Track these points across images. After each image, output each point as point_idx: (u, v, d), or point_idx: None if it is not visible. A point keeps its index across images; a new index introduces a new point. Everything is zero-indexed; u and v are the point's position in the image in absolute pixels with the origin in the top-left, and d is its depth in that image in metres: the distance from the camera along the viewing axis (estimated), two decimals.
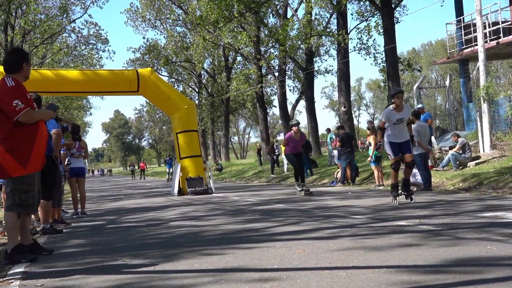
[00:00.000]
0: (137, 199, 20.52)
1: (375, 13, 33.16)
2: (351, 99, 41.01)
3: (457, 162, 18.15)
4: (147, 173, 73.74)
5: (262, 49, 45.23)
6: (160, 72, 56.70)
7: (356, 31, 35.69)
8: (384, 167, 20.24)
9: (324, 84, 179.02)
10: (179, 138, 21.67)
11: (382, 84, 38.95)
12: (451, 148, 19.34)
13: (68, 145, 13.12)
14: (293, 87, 53.00)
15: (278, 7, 40.48)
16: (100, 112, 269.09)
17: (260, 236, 7.86)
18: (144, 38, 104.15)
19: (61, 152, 11.69)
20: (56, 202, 10.82)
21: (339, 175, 21.32)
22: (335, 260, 5.61)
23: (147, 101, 52.25)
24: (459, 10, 27.91)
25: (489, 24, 24.81)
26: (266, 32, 42.03)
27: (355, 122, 78.03)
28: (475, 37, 23.06)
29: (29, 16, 38.22)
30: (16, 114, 6.41)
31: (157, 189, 28.86)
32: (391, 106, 11.88)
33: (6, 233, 6.73)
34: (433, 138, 20.78)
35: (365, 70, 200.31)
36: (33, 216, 9.31)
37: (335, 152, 23.57)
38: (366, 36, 34.91)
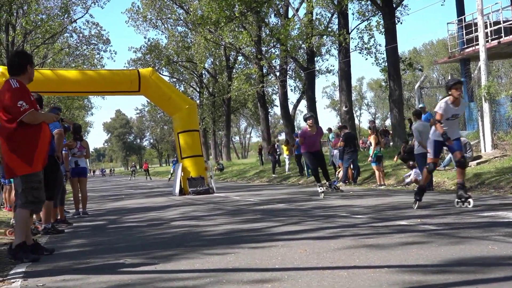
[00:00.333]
0: (138, 199, 20.53)
1: (376, 12, 33.14)
2: (352, 98, 41.00)
3: None
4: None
5: (263, 48, 45.24)
6: (161, 72, 56.72)
7: (357, 31, 35.72)
8: (385, 166, 20.26)
9: (325, 84, 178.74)
10: (180, 138, 21.68)
11: (383, 83, 38.91)
12: None
13: (70, 145, 13.14)
14: (294, 87, 53.08)
15: (279, 6, 40.49)
16: (101, 112, 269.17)
17: (261, 236, 7.86)
18: (145, 38, 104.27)
19: (63, 152, 11.69)
20: (57, 202, 10.84)
21: (340, 174, 21.32)
22: (337, 259, 5.61)
23: (148, 101, 52.24)
24: (460, 10, 27.89)
25: (490, 23, 24.78)
26: (267, 32, 42.05)
27: (356, 121, 78.07)
28: (477, 37, 23.04)
29: (30, 16, 38.18)
30: (20, 114, 6.53)
31: (158, 189, 28.86)
32: (447, 99, 10.32)
33: (14, 229, 6.75)
34: None
35: (366, 69, 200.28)
36: (34, 216, 9.33)
37: (335, 152, 23.57)
38: (367, 35, 34.94)
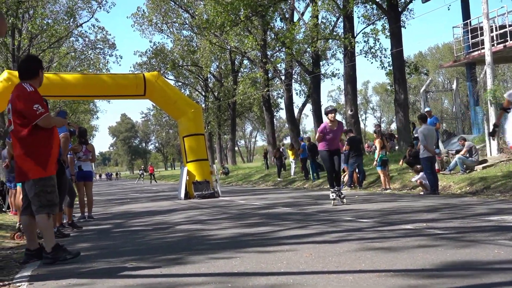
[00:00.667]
0: (144, 203, 20.54)
1: (382, 16, 33.13)
2: (358, 102, 40.96)
3: (464, 166, 18.10)
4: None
5: (269, 52, 45.30)
6: (166, 76, 56.81)
7: (362, 35, 35.70)
8: (390, 170, 20.22)
9: (331, 88, 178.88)
10: (185, 141, 21.70)
11: (388, 87, 38.92)
12: (457, 152, 19.30)
13: (75, 149, 13.14)
14: (300, 91, 53.14)
15: (284, 10, 40.57)
16: (106, 116, 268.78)
17: (267, 240, 7.85)
18: (150, 42, 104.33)
19: (68, 156, 11.71)
20: (63, 205, 10.85)
21: (345, 178, 21.30)
22: (342, 264, 5.60)
23: (154, 105, 52.35)
24: (466, 14, 27.88)
25: (496, 27, 24.76)
26: (273, 36, 42.11)
27: (361, 125, 77.96)
28: (482, 41, 23.01)
29: (36, 20, 38.34)
30: (36, 118, 6.57)
31: (163, 193, 28.87)
32: None
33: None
34: (440, 142, 20.75)
35: (372, 73, 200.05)
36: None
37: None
38: (372, 39, 34.92)
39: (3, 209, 18.01)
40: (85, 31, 50.65)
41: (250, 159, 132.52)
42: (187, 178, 21.20)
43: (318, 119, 37.78)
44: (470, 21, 27.14)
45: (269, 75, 46.32)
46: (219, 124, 60.37)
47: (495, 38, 24.07)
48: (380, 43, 72.54)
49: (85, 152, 13.49)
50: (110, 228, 11.64)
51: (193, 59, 56.51)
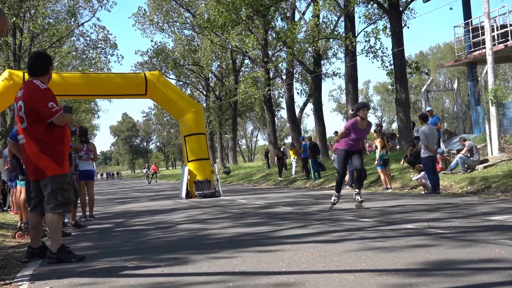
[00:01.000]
0: (145, 202, 20.55)
1: (383, 16, 33.09)
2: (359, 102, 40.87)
3: (465, 165, 18.10)
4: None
5: (270, 52, 45.31)
6: (168, 75, 56.82)
7: (363, 34, 35.71)
8: (391, 170, 20.22)
9: (332, 87, 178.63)
10: (187, 141, 21.71)
11: (390, 87, 38.86)
12: (459, 151, 19.29)
13: (76, 148, 13.14)
14: (301, 90, 53.18)
15: (285, 10, 40.54)
16: (108, 115, 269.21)
17: (268, 239, 7.85)
18: (152, 41, 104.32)
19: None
20: None
21: (347, 178, 21.28)
22: (343, 263, 5.60)
23: (155, 104, 52.34)
24: (467, 13, 27.84)
25: (497, 27, 24.73)
26: (274, 35, 42.10)
27: None
28: (483, 40, 23.00)
29: (37, 19, 38.35)
30: (52, 116, 6.57)
31: (164, 192, 28.88)
32: None
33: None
34: (441, 141, 20.74)
35: (373, 73, 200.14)
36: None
37: (335, 156, 23.62)
38: (373, 39, 34.89)
39: (4, 208, 18.04)
40: (87, 31, 50.69)
41: (251, 159, 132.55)
42: (188, 178, 21.21)
43: (319, 119, 37.79)
44: (471, 21, 27.12)
45: (270, 74, 46.27)
46: (220, 123, 60.35)
47: (496, 38, 24.04)
48: (381, 43, 72.50)
49: (86, 151, 13.48)
50: (111, 227, 11.65)
51: (194, 58, 56.52)
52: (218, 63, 59.27)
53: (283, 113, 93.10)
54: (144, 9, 57.30)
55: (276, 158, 33.94)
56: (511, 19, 25.62)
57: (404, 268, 5.15)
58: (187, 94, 50.52)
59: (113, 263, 6.56)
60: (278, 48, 46.25)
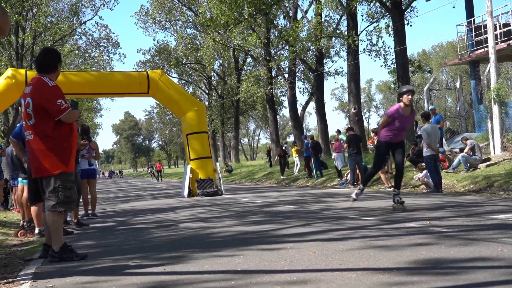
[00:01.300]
0: (147, 201, 20.56)
1: (385, 14, 33.06)
2: (361, 100, 40.94)
3: (468, 164, 18.08)
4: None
5: (272, 50, 45.25)
6: (170, 74, 56.79)
7: (366, 33, 35.69)
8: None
9: (334, 86, 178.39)
10: (189, 139, 21.71)
11: (392, 85, 38.79)
12: (461, 150, 19.28)
13: (82, 145, 13.09)
14: (303, 89, 53.22)
15: (288, 8, 40.50)
16: (110, 114, 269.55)
17: (270, 238, 7.85)
18: (154, 39, 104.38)
19: None
20: None
21: (349, 176, 21.30)
22: (346, 261, 5.60)
23: (157, 102, 52.33)
24: (469, 12, 27.83)
25: (500, 25, 24.72)
26: (276, 34, 42.06)
27: (365, 123, 77.87)
28: (486, 39, 22.96)
29: (40, 18, 38.34)
30: (60, 113, 6.55)
31: (167, 191, 28.89)
32: None
33: (51, 233, 6.73)
34: (443, 140, 20.73)
35: (375, 71, 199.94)
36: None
37: (335, 155, 23.72)
38: (376, 37, 34.89)
39: (8, 207, 18.06)
40: (89, 29, 50.69)
41: (253, 157, 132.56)
42: (191, 176, 21.22)
43: (321, 117, 37.76)
44: (474, 19, 27.10)
45: (273, 73, 46.25)
46: (222, 122, 60.33)
47: (499, 36, 24.03)
48: (383, 41, 72.45)
49: (88, 150, 13.48)
50: (114, 225, 11.66)
51: (197, 57, 56.49)
52: (220, 61, 59.26)
53: (285, 111, 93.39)
54: (147, 8, 57.29)
55: (277, 156, 33.93)
56: None
57: (406, 267, 5.16)
58: (189, 92, 50.56)
59: (115, 261, 6.56)
60: (281, 46, 46.21)
